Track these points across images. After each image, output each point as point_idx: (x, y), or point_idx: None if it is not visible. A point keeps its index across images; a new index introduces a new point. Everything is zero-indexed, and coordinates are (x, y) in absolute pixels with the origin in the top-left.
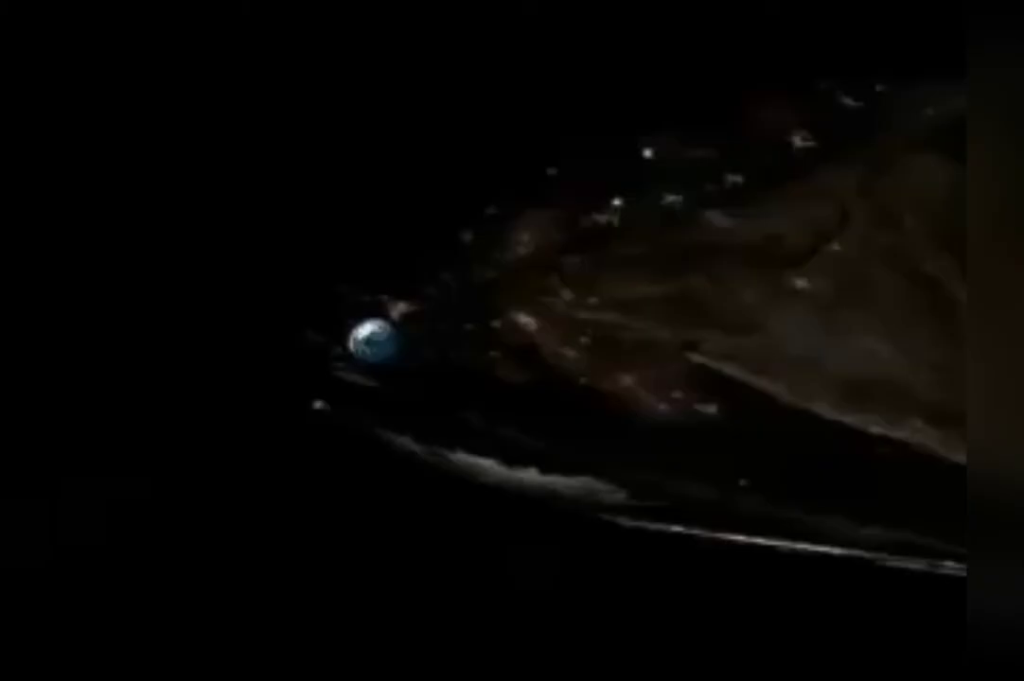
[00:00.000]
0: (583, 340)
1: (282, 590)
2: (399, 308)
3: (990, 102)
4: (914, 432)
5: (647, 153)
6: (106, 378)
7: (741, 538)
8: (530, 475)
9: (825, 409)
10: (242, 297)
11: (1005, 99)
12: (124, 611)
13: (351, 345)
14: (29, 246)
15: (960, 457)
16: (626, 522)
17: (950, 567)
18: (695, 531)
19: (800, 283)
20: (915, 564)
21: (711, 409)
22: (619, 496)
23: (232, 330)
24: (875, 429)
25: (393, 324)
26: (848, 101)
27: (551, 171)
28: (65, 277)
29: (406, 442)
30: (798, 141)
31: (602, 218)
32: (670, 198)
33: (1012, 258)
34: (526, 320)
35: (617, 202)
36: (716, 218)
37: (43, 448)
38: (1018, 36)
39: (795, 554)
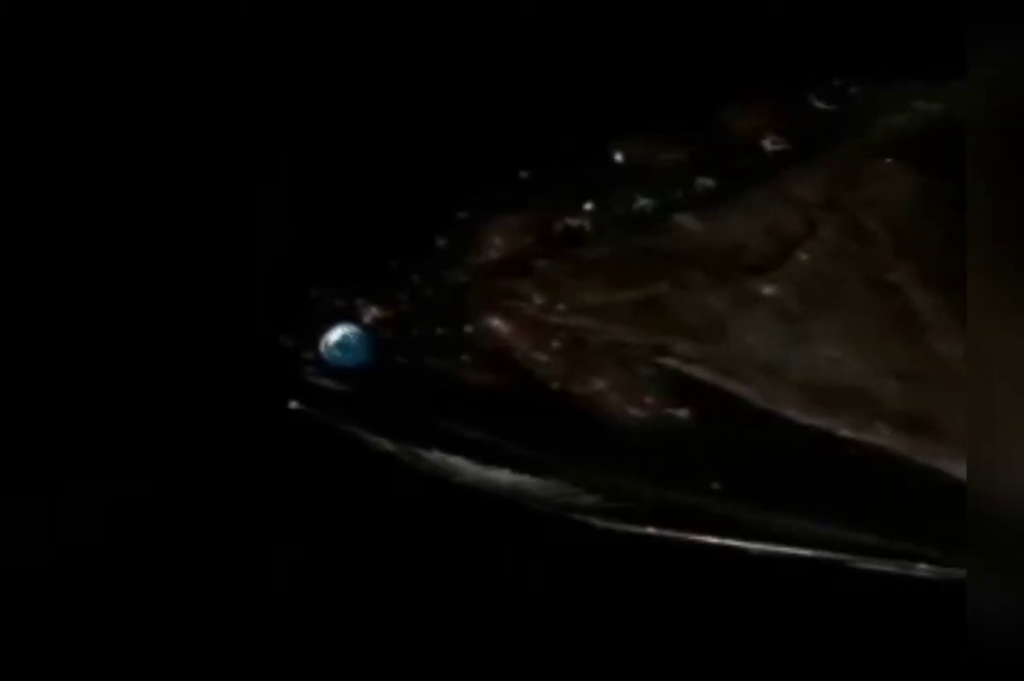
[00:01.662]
0: (555, 344)
1: (279, 589)
2: (371, 312)
3: (990, 102)
4: (882, 437)
5: (618, 157)
6: (104, 379)
7: (713, 541)
8: (504, 476)
9: (795, 413)
10: (215, 300)
11: (1005, 99)
12: (124, 611)
13: (323, 349)
14: (28, 248)
15: (928, 461)
16: (599, 523)
17: (923, 570)
18: (667, 534)
19: (768, 290)
20: (888, 567)
21: (683, 413)
22: (592, 499)
23: (206, 332)
24: (845, 433)
25: (365, 328)
26: (821, 105)
27: (523, 175)
28: (61, 281)
29: (381, 442)
30: (768, 145)
31: (574, 222)
32: (642, 202)
33: (1012, 263)
34: (498, 324)
35: (589, 206)
36: (687, 223)
37: (43, 448)
38: (1018, 36)
39: (768, 557)
